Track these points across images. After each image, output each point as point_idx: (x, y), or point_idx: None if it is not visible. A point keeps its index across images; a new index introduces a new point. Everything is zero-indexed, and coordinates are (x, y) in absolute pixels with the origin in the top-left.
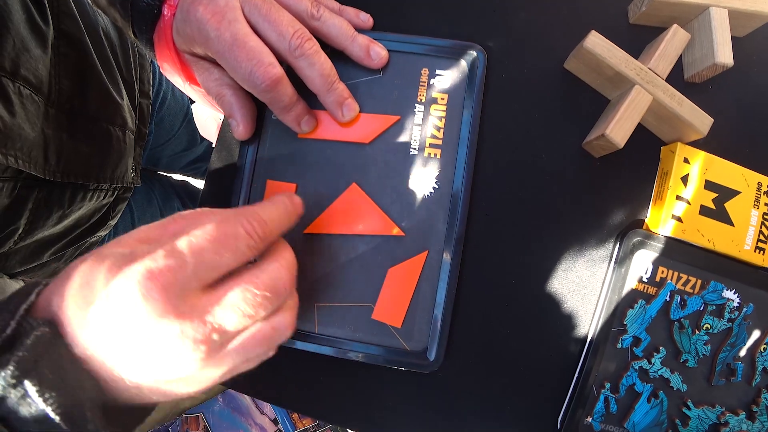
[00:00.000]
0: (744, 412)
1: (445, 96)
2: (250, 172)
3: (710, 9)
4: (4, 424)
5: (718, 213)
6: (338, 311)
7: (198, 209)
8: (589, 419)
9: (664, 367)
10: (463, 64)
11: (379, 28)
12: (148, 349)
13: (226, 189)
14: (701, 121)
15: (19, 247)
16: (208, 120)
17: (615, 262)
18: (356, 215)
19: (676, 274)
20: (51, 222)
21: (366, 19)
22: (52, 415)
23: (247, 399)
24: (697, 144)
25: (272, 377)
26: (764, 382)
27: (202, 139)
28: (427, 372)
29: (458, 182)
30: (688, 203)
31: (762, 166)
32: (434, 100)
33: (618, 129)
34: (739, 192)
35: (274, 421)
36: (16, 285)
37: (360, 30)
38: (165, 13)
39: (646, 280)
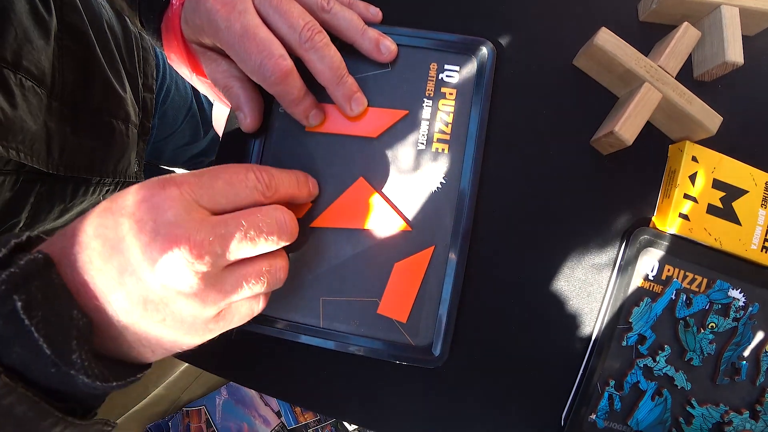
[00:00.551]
0: (747, 411)
1: (454, 91)
2: None
3: (721, 7)
4: None
5: (725, 212)
6: (343, 305)
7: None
8: (593, 416)
9: (669, 366)
10: (473, 59)
11: (388, 22)
12: (151, 246)
13: None
14: (710, 120)
15: None
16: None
17: (621, 260)
18: (363, 209)
19: (682, 272)
20: (52, 216)
21: (375, 12)
22: (36, 335)
23: (251, 391)
24: (705, 142)
25: (276, 371)
26: None
27: (205, 133)
28: (431, 367)
29: (466, 178)
30: (696, 202)
31: None
32: (443, 95)
33: (627, 126)
34: (747, 191)
35: (278, 414)
36: None
37: (369, 24)
38: (174, 2)
39: (652, 278)
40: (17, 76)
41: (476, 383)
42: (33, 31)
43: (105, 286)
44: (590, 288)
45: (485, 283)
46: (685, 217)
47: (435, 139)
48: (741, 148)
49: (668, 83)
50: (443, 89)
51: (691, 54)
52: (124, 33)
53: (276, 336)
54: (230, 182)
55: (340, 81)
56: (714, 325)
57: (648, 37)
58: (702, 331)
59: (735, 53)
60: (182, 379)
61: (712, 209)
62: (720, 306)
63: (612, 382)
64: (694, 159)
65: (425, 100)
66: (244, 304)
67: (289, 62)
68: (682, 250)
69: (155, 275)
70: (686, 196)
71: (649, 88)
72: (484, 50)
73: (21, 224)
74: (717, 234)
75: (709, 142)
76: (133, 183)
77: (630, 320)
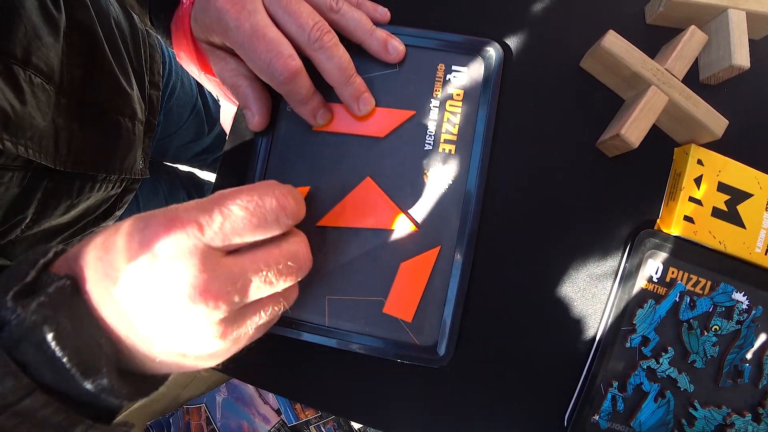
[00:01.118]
0: (750, 414)
1: (461, 92)
2: (263, 164)
3: (728, 11)
4: (22, 369)
5: (730, 215)
6: (349, 304)
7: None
8: (596, 417)
9: (672, 367)
10: (480, 60)
11: (396, 23)
12: (167, 300)
13: (239, 181)
14: (716, 123)
15: (26, 236)
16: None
17: (626, 262)
18: (370, 209)
19: (686, 275)
20: (59, 212)
21: (384, 13)
22: (69, 365)
23: (250, 389)
24: (711, 146)
25: (281, 369)
26: None
27: (210, 130)
28: (436, 367)
29: (472, 179)
30: (701, 205)
31: None
32: (450, 96)
33: (633, 129)
34: (752, 195)
35: (278, 411)
36: None
37: (378, 24)
38: (184, 1)
39: (656, 280)
40: (26, 72)
41: (480, 383)
42: (42, 28)
43: (122, 324)
44: (594, 289)
45: (490, 283)
46: (689, 219)
47: (442, 140)
48: (746, 152)
49: (674, 86)
50: (450, 90)
51: (697, 57)
52: (131, 30)
53: (281, 334)
54: (246, 217)
55: (348, 81)
56: (717, 327)
57: (655, 40)
58: (705, 333)
59: (741, 57)
60: (183, 377)
61: (716, 212)
62: (723, 309)
63: (615, 384)
64: (699, 162)
65: (432, 100)
66: (261, 328)
67: (297, 62)
68: (686, 253)
69: (175, 332)
70: (691, 199)
71: (656, 91)
72: (491, 51)
73: (28, 220)
74: (721, 237)
75: (715, 146)
76: (138, 180)
77: (634, 322)
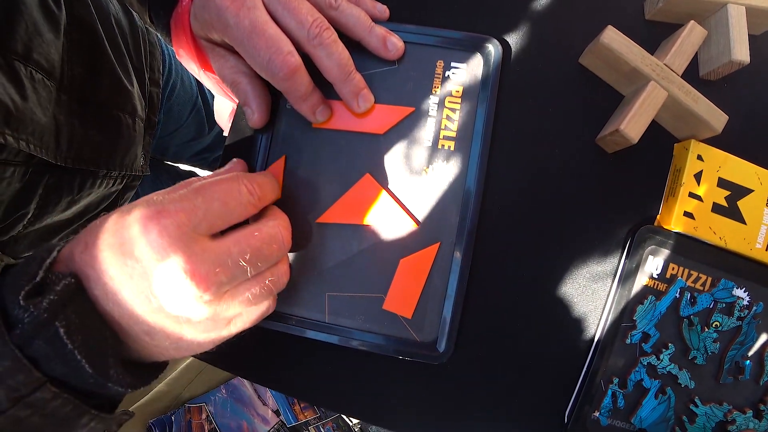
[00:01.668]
0: (751, 411)
1: (460, 88)
2: (263, 161)
3: (728, 6)
4: (33, 364)
5: (730, 211)
6: (349, 301)
7: (196, 178)
8: (597, 414)
9: (673, 364)
10: (479, 57)
11: (395, 20)
12: (161, 285)
13: None
14: (716, 118)
15: (28, 232)
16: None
17: (626, 258)
18: (369, 205)
19: (686, 271)
20: (60, 208)
21: (382, 10)
22: (79, 356)
23: (249, 390)
24: (711, 141)
25: (281, 365)
26: None
27: (210, 128)
28: (436, 363)
29: (471, 175)
30: (701, 200)
31: None
32: (449, 93)
33: (633, 124)
34: (752, 190)
35: (276, 412)
36: None
37: (377, 21)
38: None
39: (656, 277)
40: (27, 68)
41: (480, 379)
42: (43, 24)
43: (123, 314)
44: (595, 285)
45: (490, 279)
46: (690, 215)
47: (441, 136)
48: (746, 147)
49: (674, 82)
50: (450, 87)
51: (697, 53)
52: (131, 27)
53: (281, 331)
54: (225, 202)
55: (348, 78)
56: (718, 323)
57: (654, 35)
58: (706, 329)
59: (741, 52)
60: (184, 376)
61: (717, 208)
62: (724, 305)
63: (616, 380)
64: (699, 158)
65: (432, 97)
66: (253, 309)
67: (297, 59)
68: (686, 249)
69: (167, 310)
70: (691, 195)
71: (655, 87)
72: (490, 48)
73: (29, 215)
74: (722, 233)
75: (715, 141)
76: (138, 177)
77: (634, 318)
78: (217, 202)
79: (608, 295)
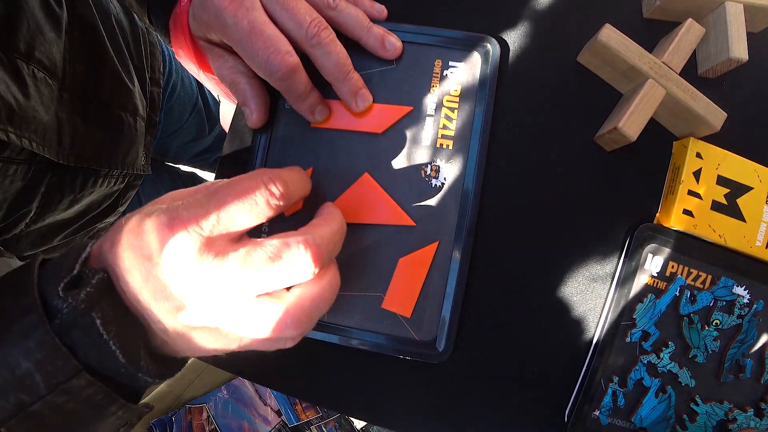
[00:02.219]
0: (752, 409)
1: (459, 87)
2: (262, 161)
3: (726, 4)
4: (71, 351)
5: (729, 208)
6: (348, 300)
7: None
8: (597, 413)
9: (673, 362)
10: (477, 55)
11: (393, 19)
12: (173, 291)
13: None
14: (714, 116)
15: (31, 230)
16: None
17: (625, 256)
18: (368, 205)
19: (686, 269)
20: (62, 206)
21: (381, 9)
22: (114, 347)
23: (250, 390)
24: (709, 139)
25: (281, 365)
26: None
27: (210, 129)
28: (435, 362)
29: (470, 174)
30: (700, 198)
31: None
32: (447, 92)
33: (631, 122)
34: (752, 188)
35: (278, 413)
36: None
37: (375, 21)
38: None
39: (656, 275)
40: (30, 67)
41: (480, 378)
42: (45, 23)
43: (143, 312)
44: (594, 284)
45: (489, 278)
46: (689, 213)
47: (440, 135)
48: (745, 145)
49: (672, 79)
50: (448, 85)
51: (695, 50)
52: (131, 27)
53: None
54: (239, 205)
55: (346, 77)
56: (718, 322)
57: (652, 33)
58: (706, 328)
59: (739, 50)
60: (186, 376)
61: (716, 206)
62: (724, 303)
63: (616, 379)
64: (698, 155)
65: (430, 96)
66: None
67: (295, 58)
68: (686, 247)
69: (179, 315)
70: (690, 193)
71: (653, 85)
72: (488, 47)
73: (32, 213)
74: (721, 230)
75: (714, 139)
76: (140, 176)
77: (634, 317)
78: (230, 206)
79: (608, 294)
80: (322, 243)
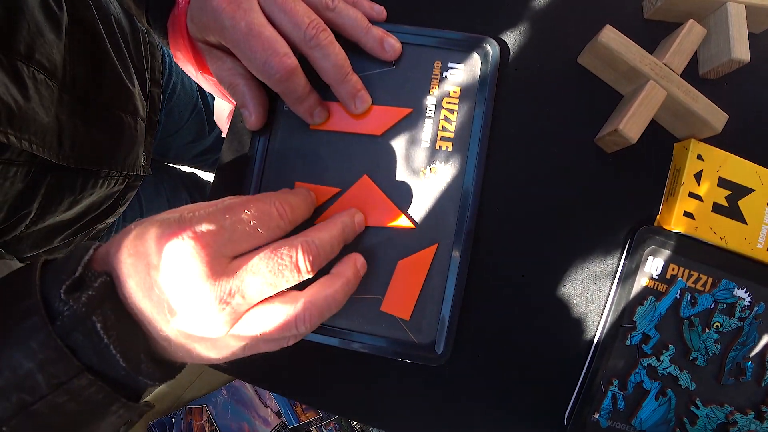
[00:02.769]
0: (753, 412)
1: (458, 89)
2: (261, 163)
3: (727, 4)
4: (73, 353)
5: (731, 211)
6: (347, 303)
7: (235, 197)
8: (597, 416)
9: (673, 365)
10: (477, 57)
11: (392, 20)
12: (175, 302)
13: (237, 179)
14: (716, 118)
15: (31, 232)
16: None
17: (625, 259)
18: (367, 207)
19: (687, 271)
20: (62, 207)
21: (380, 11)
22: (114, 351)
23: (250, 391)
24: (711, 141)
25: (279, 368)
26: None
27: (211, 130)
28: (434, 365)
29: (469, 176)
30: (701, 200)
31: None
32: (447, 93)
33: (632, 124)
34: (753, 190)
35: (278, 414)
36: None
37: (373, 22)
38: (180, 1)
39: (656, 277)
40: (30, 68)
41: (479, 381)
42: (45, 25)
43: (143, 318)
44: (594, 286)
45: (489, 281)
46: (690, 215)
47: (439, 137)
48: (747, 146)
49: (673, 81)
50: (447, 87)
51: (696, 51)
52: (131, 28)
53: None
54: (252, 225)
55: (345, 79)
56: (719, 324)
57: (653, 34)
58: (707, 330)
59: (741, 51)
60: (185, 377)
61: (717, 208)
62: (725, 305)
63: (615, 382)
64: (699, 157)
65: (429, 98)
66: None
67: (293, 60)
68: (686, 249)
69: (179, 325)
70: (691, 195)
71: (654, 86)
72: (488, 48)
73: (32, 215)
74: (722, 233)
75: (715, 140)
76: (140, 177)
77: (634, 319)
78: (245, 224)
79: (608, 296)
80: (321, 245)
